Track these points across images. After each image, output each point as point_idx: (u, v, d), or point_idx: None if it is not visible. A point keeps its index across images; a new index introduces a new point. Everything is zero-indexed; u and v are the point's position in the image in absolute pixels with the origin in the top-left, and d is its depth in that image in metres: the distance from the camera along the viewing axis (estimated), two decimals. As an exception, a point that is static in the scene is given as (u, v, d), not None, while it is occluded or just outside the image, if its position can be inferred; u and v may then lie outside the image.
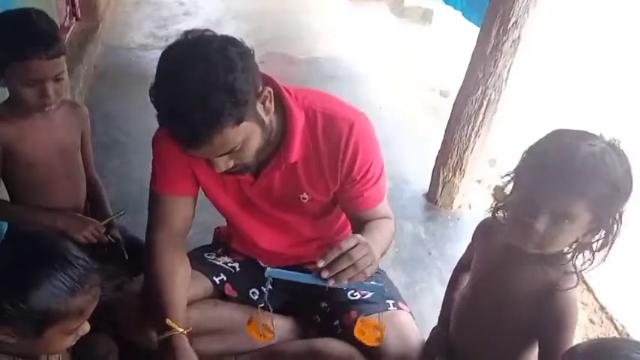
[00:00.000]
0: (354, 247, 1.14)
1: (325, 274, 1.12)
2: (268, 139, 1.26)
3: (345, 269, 1.13)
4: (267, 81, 1.26)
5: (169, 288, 1.36)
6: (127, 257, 1.72)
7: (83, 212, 1.78)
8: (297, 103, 1.32)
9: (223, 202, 1.48)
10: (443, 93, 4.25)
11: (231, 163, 1.23)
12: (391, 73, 4.25)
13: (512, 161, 1.21)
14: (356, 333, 1.28)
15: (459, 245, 2.50)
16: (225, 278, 1.56)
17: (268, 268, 1.18)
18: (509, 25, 2.21)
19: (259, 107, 1.18)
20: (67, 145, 1.70)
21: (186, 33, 1.17)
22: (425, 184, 2.83)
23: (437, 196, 2.73)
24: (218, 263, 1.59)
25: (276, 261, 1.53)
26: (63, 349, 1.11)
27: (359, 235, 1.18)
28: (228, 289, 1.55)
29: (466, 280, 1.46)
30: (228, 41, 1.15)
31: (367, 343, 1.29)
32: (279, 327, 1.43)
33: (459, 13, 3.23)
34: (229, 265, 1.60)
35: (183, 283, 1.41)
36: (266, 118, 1.22)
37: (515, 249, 1.19)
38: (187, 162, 1.38)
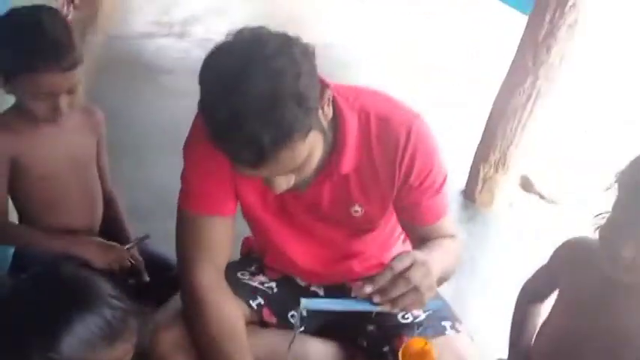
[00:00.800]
0: (409, 267, 0.97)
1: (377, 299, 0.97)
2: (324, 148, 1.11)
3: (403, 294, 0.97)
4: (321, 80, 1.09)
5: (231, 338, 1.23)
6: (148, 279, 1.56)
7: (98, 230, 1.64)
8: (349, 104, 1.17)
9: (262, 217, 1.31)
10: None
11: (292, 181, 1.08)
12: (399, 58, 4.09)
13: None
14: None
15: (502, 249, 2.41)
16: (262, 302, 1.41)
17: (303, 300, 1.02)
18: (567, 7, 2.00)
19: (320, 113, 1.05)
20: (81, 156, 1.56)
21: (237, 33, 0.99)
22: (456, 180, 2.64)
23: (476, 193, 2.58)
24: (253, 284, 1.43)
25: (316, 279, 1.41)
26: None
27: (415, 252, 1.03)
28: (267, 315, 1.41)
29: (540, 309, 1.38)
30: (288, 39, 0.99)
31: None
32: (320, 352, 1.33)
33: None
34: (266, 285, 1.45)
35: (243, 327, 1.28)
36: (325, 124, 1.07)
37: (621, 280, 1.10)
38: (229, 174, 1.19)
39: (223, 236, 1.27)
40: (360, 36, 4.37)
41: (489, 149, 2.42)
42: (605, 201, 1.12)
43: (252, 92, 0.92)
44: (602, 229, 1.11)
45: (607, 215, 1.11)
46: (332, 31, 4.32)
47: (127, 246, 1.57)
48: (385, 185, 1.22)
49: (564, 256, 1.29)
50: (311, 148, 1.03)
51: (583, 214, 2.77)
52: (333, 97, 1.13)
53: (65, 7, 3.61)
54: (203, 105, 1.00)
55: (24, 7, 1.35)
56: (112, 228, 1.68)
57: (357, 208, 1.26)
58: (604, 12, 3.50)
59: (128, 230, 1.69)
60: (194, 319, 1.27)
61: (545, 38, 2.08)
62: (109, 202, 1.69)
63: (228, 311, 1.26)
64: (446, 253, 1.20)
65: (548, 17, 2.04)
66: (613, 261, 1.07)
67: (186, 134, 1.24)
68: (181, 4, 4.47)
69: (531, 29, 2.12)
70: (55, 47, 1.28)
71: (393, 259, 0.99)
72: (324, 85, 1.06)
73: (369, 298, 0.97)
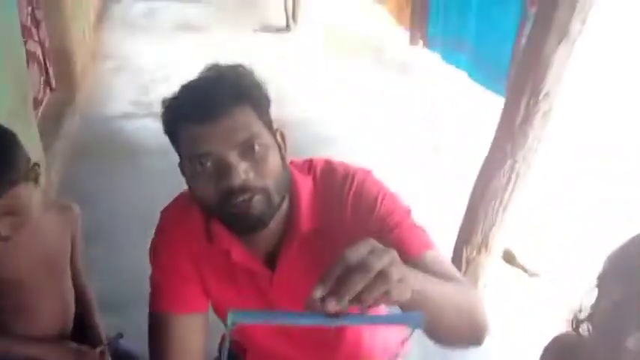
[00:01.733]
0: (367, 254, 0.73)
1: (331, 305, 0.68)
2: (283, 196, 1.10)
3: (367, 286, 0.70)
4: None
5: None
6: None
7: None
8: (302, 170, 1.20)
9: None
10: (436, 148, 4.12)
11: (251, 176, 1.02)
12: (383, 131, 4.13)
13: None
14: None
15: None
16: None
17: (231, 313, 0.70)
18: (541, 96, 2.05)
19: (277, 137, 1.12)
20: (55, 256, 1.50)
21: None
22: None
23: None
24: None
25: None
26: None
27: (373, 241, 0.77)
28: None
29: None
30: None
31: None
32: None
33: (438, 64, 3.10)
34: None
35: None
36: (282, 152, 1.11)
37: None
38: (196, 270, 1.19)
39: (197, 333, 1.20)
40: (341, 111, 4.40)
41: (472, 231, 2.40)
42: (588, 274, 1.07)
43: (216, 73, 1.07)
44: (598, 319, 1.04)
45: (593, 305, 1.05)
46: (312, 106, 4.38)
47: (99, 349, 1.51)
48: (347, 241, 1.08)
49: (551, 351, 1.22)
50: (266, 142, 1.05)
51: (566, 288, 2.77)
52: (289, 166, 1.15)
53: (42, 91, 3.60)
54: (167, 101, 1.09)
55: None
56: (82, 323, 1.62)
57: None
58: (578, 96, 3.63)
59: (99, 326, 1.63)
60: None
61: (521, 124, 2.11)
62: (81, 297, 1.62)
63: None
64: (446, 285, 0.97)
65: (523, 104, 2.07)
66: (613, 352, 0.99)
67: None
68: (161, 83, 4.52)
69: (507, 117, 2.15)
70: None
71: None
72: (277, 129, 1.12)
73: (323, 309, 0.69)
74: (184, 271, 1.17)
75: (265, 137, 1.05)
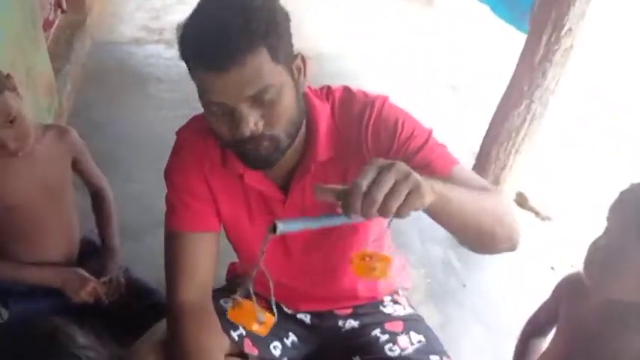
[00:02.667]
0: (378, 174, 0.80)
1: (355, 216, 0.81)
2: (296, 133, 1.09)
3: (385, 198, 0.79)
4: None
5: None
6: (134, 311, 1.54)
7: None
8: (320, 96, 1.17)
9: (248, 233, 1.27)
10: (453, 88, 4.02)
11: (261, 126, 1.01)
12: (397, 67, 4.01)
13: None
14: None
15: (494, 276, 2.34)
16: (243, 333, 1.36)
17: (279, 224, 0.86)
18: (563, 32, 1.96)
19: (294, 67, 1.05)
20: (54, 181, 1.49)
21: None
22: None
23: (468, 216, 2.50)
24: None
25: (304, 305, 1.39)
26: None
27: (381, 160, 0.83)
28: (248, 346, 1.35)
29: (541, 344, 1.36)
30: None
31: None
32: None
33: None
34: None
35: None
36: (300, 89, 1.06)
37: (615, 311, 1.11)
38: (210, 191, 1.20)
39: (208, 253, 1.24)
40: (356, 46, 4.29)
41: (482, 172, 2.37)
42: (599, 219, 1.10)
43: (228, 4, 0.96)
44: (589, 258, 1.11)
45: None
46: (327, 41, 4.26)
47: (102, 279, 1.52)
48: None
49: (563, 289, 1.28)
50: (279, 84, 1.00)
51: (578, 231, 2.76)
52: (306, 92, 1.13)
53: (53, 12, 3.53)
54: (181, 23, 1.00)
55: None
56: (100, 233, 1.64)
57: None
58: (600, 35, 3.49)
59: (115, 248, 1.63)
60: (174, 350, 1.22)
61: (540, 62, 2.04)
62: (98, 201, 1.65)
63: (208, 345, 1.21)
64: (471, 191, 1.00)
65: (544, 40, 2.00)
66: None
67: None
68: (172, 10, 4.41)
69: (527, 52, 2.08)
70: None
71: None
72: (298, 54, 1.06)
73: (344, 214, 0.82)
74: (198, 191, 1.19)
75: (279, 78, 1.00)
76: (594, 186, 3.04)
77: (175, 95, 3.22)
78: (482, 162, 2.36)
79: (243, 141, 1.02)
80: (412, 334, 1.31)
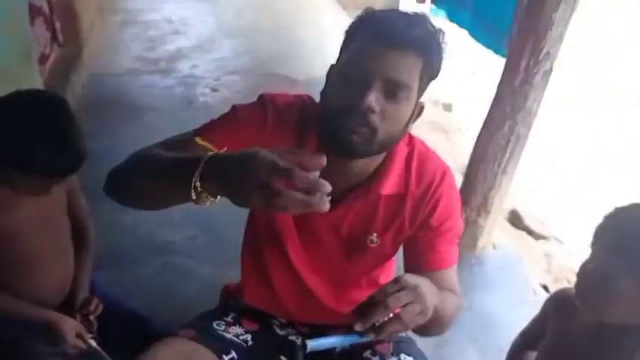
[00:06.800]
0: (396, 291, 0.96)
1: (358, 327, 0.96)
2: (387, 147, 1.16)
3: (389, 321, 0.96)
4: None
5: None
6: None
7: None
8: (403, 139, 1.24)
9: (280, 218, 1.30)
10: (446, 107, 4.07)
11: (378, 109, 1.08)
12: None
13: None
14: None
15: (488, 294, 2.35)
16: (235, 356, 1.36)
17: (309, 342, 1.03)
18: (541, 55, 2.01)
19: (418, 104, 1.16)
20: (52, 211, 1.50)
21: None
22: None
23: (458, 236, 2.52)
24: (228, 336, 1.39)
25: (300, 315, 1.42)
26: None
27: (407, 276, 0.99)
28: None
29: (532, 356, 1.37)
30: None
31: None
32: None
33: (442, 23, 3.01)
34: (241, 337, 1.41)
35: None
36: (410, 122, 1.17)
37: (608, 331, 1.13)
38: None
39: None
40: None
41: (471, 193, 2.40)
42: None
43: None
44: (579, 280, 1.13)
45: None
46: (315, 66, 4.27)
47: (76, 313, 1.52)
48: (408, 219, 1.26)
49: (552, 305, 1.31)
50: (410, 97, 1.10)
51: (571, 250, 2.77)
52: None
53: (49, 46, 3.59)
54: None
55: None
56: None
57: (373, 237, 1.28)
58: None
59: (86, 277, 1.61)
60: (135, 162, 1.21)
61: (521, 84, 2.08)
62: (78, 238, 1.63)
63: None
64: (447, 299, 1.16)
65: (523, 64, 2.04)
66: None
67: None
68: (167, 40, 4.47)
69: (507, 76, 2.12)
70: (78, 159, 1.31)
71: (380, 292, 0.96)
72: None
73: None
74: (246, 137, 1.17)
75: (413, 91, 1.11)
76: (589, 205, 3.07)
77: (172, 124, 3.26)
78: (470, 182, 2.39)
79: (353, 110, 1.06)
80: (402, 356, 1.32)
